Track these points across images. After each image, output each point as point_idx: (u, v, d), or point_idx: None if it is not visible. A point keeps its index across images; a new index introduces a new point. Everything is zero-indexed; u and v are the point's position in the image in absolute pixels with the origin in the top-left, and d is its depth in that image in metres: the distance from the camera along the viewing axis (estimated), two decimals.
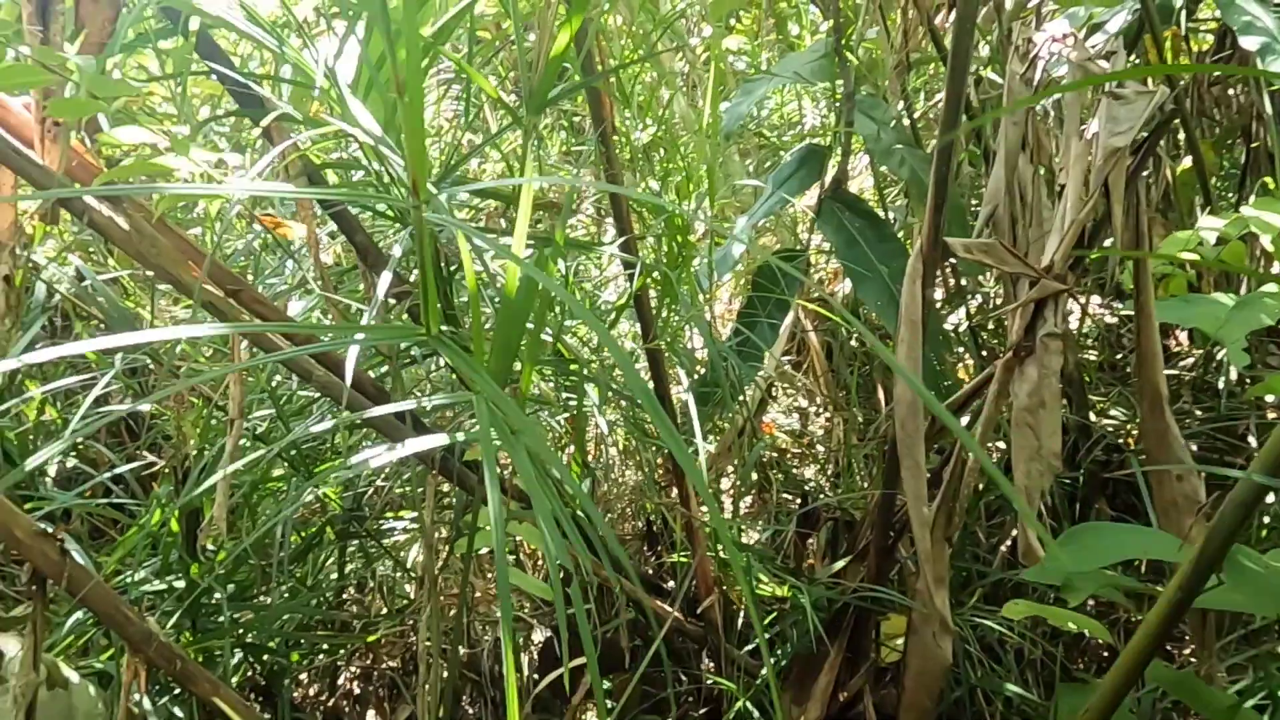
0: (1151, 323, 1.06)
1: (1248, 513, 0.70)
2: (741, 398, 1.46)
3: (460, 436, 0.71)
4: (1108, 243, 1.56)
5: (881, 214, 2.11)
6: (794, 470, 2.19)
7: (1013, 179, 1.31)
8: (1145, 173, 1.08)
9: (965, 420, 1.26)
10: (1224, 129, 2.33)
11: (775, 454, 2.26)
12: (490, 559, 1.08)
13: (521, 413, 0.44)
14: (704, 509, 1.12)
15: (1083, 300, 2.19)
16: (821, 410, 2.39)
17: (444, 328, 0.54)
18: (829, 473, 2.17)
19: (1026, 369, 1.07)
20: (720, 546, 1.19)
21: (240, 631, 1.11)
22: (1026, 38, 1.48)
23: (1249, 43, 1.88)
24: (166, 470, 1.06)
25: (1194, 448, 1.90)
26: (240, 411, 0.80)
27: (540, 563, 1.51)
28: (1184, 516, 1.00)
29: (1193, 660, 1.54)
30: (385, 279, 0.76)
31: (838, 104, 1.76)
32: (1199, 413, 1.89)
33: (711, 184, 1.21)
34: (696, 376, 1.62)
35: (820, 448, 2.29)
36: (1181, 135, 1.93)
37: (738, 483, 2.05)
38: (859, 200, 1.78)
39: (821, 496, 1.68)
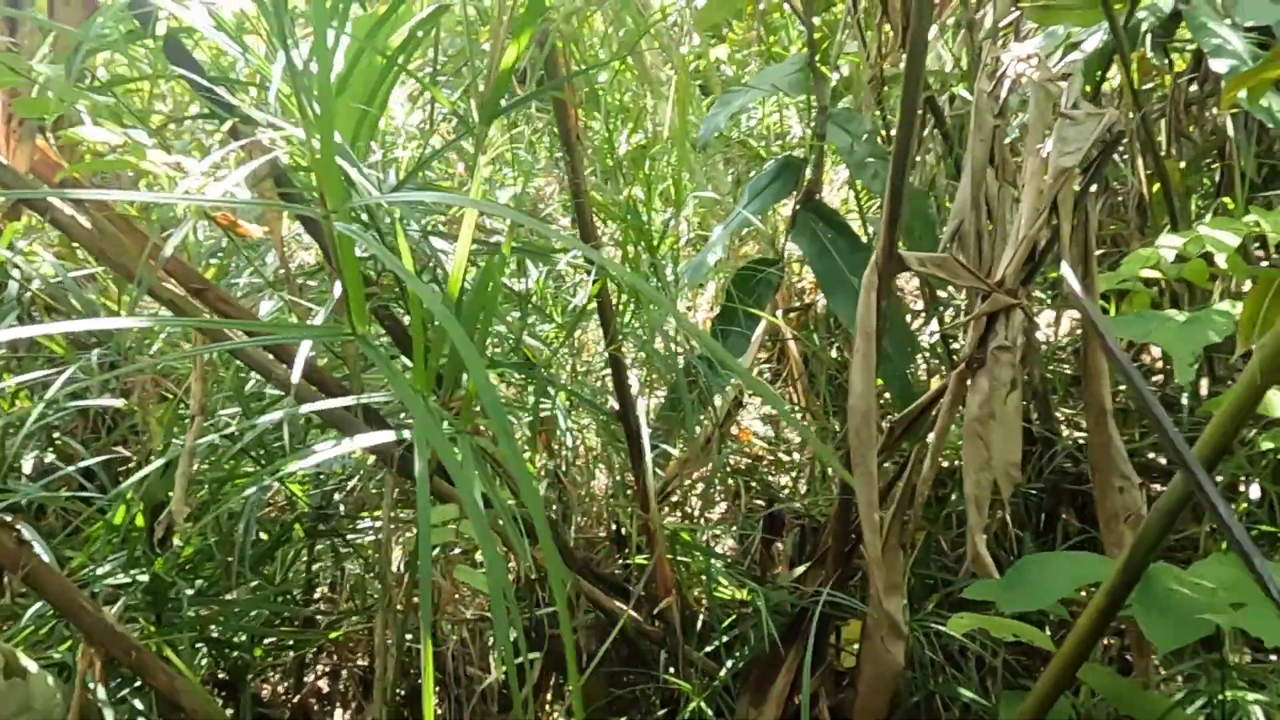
0: (1098, 339, 1.08)
1: (1170, 522, 0.72)
2: (711, 406, 1.48)
3: (406, 435, 0.73)
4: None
5: (861, 226, 2.14)
6: (769, 476, 2.21)
7: (979, 194, 1.34)
8: (1093, 190, 1.11)
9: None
10: (1199, 148, 2.37)
11: (750, 460, 2.29)
12: (459, 557, 1.10)
13: (431, 415, 0.46)
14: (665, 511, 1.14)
15: (1052, 313, 2.23)
16: (798, 417, 2.41)
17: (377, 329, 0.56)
18: (803, 479, 2.20)
19: (978, 381, 1.09)
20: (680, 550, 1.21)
21: (203, 627, 1.13)
22: (995, 56, 1.51)
23: (1218, 65, 1.92)
24: (134, 465, 1.08)
25: (1162, 461, 1.93)
26: (201, 408, 0.82)
27: (511, 561, 1.53)
28: (1125, 528, 1.03)
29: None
30: (338, 289, 0.77)
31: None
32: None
33: (678, 194, 1.23)
34: (670, 381, 1.64)
35: (796, 455, 2.32)
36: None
37: (712, 488, 2.07)
38: (832, 212, 1.80)
39: (789, 502, 1.71)
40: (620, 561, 1.47)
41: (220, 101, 0.78)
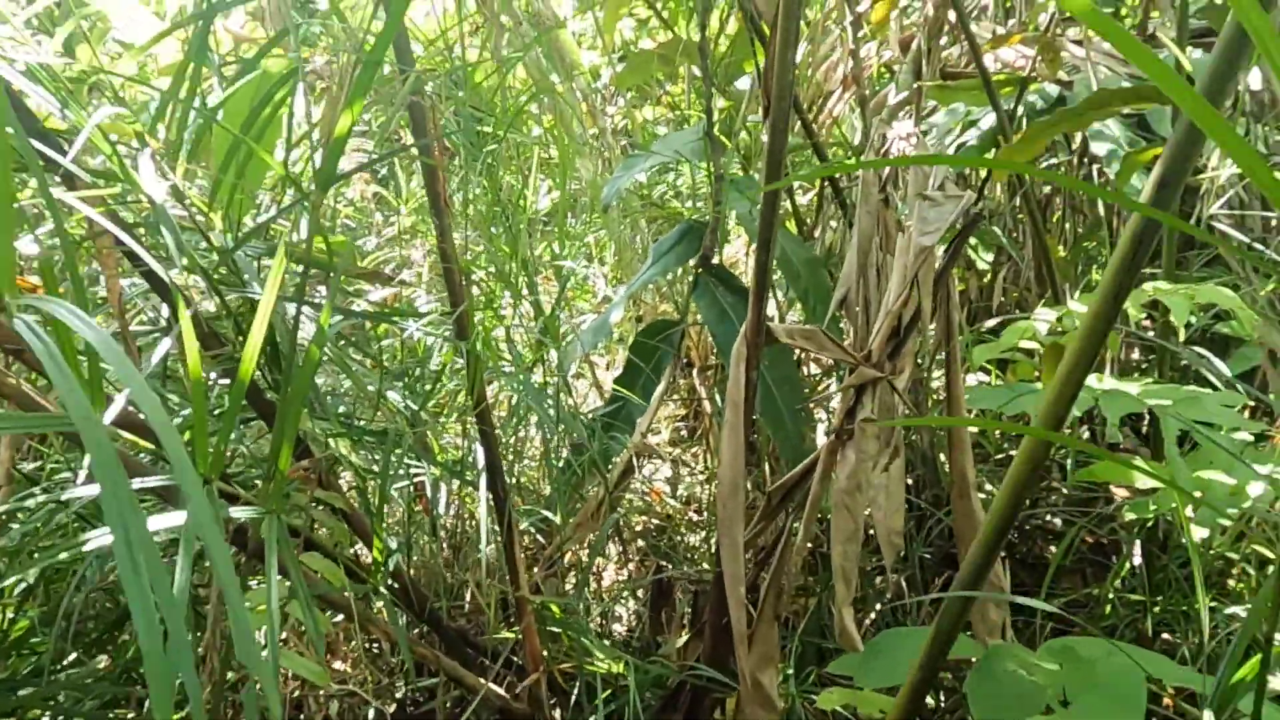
0: (960, 410, 1.11)
1: (965, 608, 0.73)
2: (600, 470, 1.46)
3: (238, 512, 0.69)
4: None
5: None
6: (677, 537, 2.19)
7: (866, 265, 1.37)
8: (954, 269, 1.14)
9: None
10: (1090, 221, 2.49)
11: (660, 521, 2.27)
12: (300, 638, 1.05)
13: (206, 499, 0.43)
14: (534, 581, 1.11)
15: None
16: (711, 479, 2.41)
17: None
18: (711, 541, 2.18)
19: (846, 452, 1.10)
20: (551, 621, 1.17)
21: (21, 711, 1.04)
22: (882, 134, 1.57)
23: (1098, 148, 2.03)
24: None
25: (1057, 522, 1.98)
26: (8, 477, 0.76)
27: (374, 642, 1.47)
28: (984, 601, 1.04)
29: None
30: (164, 345, 0.74)
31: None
32: (1065, 490, 1.97)
33: (521, 258, 1.21)
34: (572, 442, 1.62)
35: (707, 514, 2.31)
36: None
37: (602, 554, 2.04)
38: (732, 276, 1.83)
39: (682, 568, 1.68)
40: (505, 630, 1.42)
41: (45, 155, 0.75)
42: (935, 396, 2.21)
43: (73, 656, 1.22)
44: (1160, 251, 1.91)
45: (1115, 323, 0.65)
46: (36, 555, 1.01)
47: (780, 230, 1.89)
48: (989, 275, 2.50)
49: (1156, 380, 1.48)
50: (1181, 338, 1.50)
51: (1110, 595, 1.61)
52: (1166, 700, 1.16)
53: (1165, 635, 1.58)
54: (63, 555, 0.88)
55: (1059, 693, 0.72)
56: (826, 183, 2.01)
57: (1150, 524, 1.54)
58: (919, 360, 1.82)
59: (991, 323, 2.23)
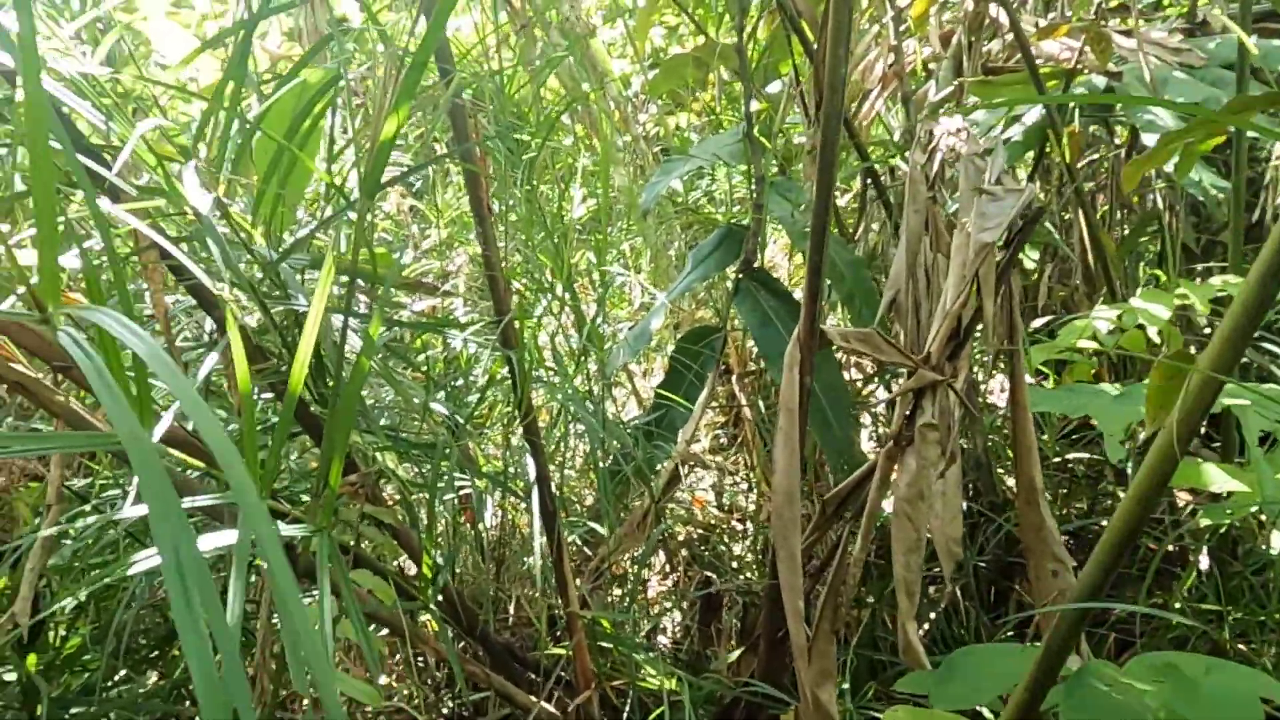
0: (1026, 416, 1.06)
1: (1084, 616, 0.68)
2: (645, 481, 1.43)
3: (288, 530, 0.68)
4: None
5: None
6: (721, 546, 2.15)
7: (915, 265, 1.33)
8: (1016, 267, 1.10)
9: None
10: (1141, 216, 2.41)
11: (703, 530, 2.23)
12: (347, 655, 1.03)
13: (262, 514, 0.41)
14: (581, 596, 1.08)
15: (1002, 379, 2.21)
16: (754, 487, 2.37)
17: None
18: (757, 550, 2.14)
19: (906, 459, 1.06)
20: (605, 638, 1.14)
21: None
22: (928, 130, 1.52)
23: (1150, 139, 1.96)
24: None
25: None
26: (58, 496, 0.75)
27: (420, 656, 1.45)
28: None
29: None
30: (210, 361, 0.73)
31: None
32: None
33: (565, 266, 1.19)
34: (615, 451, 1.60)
35: (750, 524, 2.26)
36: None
37: (648, 565, 2.00)
38: (774, 280, 1.79)
39: (729, 579, 1.65)
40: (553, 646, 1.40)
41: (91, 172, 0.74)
42: (984, 399, 2.15)
43: (123, 673, 1.21)
44: (1225, 245, 1.83)
45: (1258, 327, 0.59)
46: (87, 574, 1.01)
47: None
48: (1035, 274, 2.43)
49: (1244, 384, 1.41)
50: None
51: (1178, 604, 1.54)
52: None
53: (1240, 646, 1.50)
54: (109, 580, 0.88)
55: (1160, 712, 0.67)
56: (869, 183, 1.96)
57: (1222, 530, 1.47)
58: (978, 363, 1.77)
59: (1038, 322, 2.17)
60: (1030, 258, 2.49)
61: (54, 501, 0.76)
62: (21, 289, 0.50)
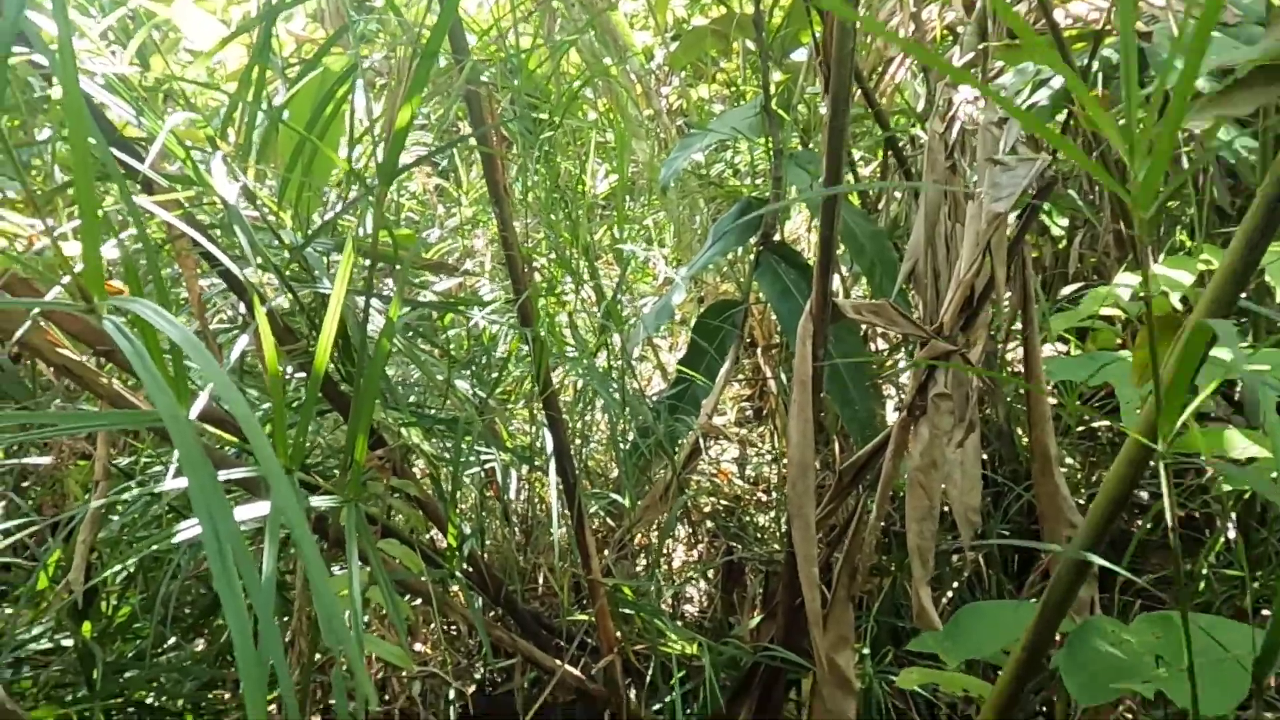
0: (1040, 384, 1.07)
1: (1078, 573, 0.70)
2: (666, 452, 1.46)
3: (318, 501, 0.72)
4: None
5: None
6: (748, 518, 2.18)
7: (934, 234, 1.33)
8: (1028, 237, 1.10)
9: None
10: (1174, 179, 2.36)
11: (728, 502, 2.26)
12: (382, 623, 1.08)
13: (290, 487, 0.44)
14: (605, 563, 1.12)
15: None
16: (779, 458, 2.39)
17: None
18: (781, 521, 2.17)
19: (920, 429, 1.07)
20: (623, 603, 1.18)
21: (127, 692, 1.10)
22: (947, 98, 1.51)
23: None
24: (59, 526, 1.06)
25: (1144, 495, 1.90)
26: (105, 472, 0.80)
27: (452, 625, 1.50)
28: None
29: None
30: (242, 342, 0.76)
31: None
32: (1153, 462, 1.88)
33: (585, 243, 1.20)
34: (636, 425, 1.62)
35: (775, 494, 2.29)
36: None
37: (688, 535, 2.04)
38: (794, 252, 1.80)
39: (752, 549, 1.67)
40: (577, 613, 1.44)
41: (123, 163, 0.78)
42: (1010, 369, 2.14)
43: (172, 641, 1.28)
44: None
45: (1244, 290, 0.60)
46: (134, 545, 1.06)
47: (843, 203, 1.85)
48: (1064, 241, 2.40)
49: (1252, 345, 1.40)
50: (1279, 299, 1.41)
51: (1204, 571, 1.54)
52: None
53: (1265, 612, 1.50)
54: (155, 548, 0.92)
55: (1157, 663, 0.69)
56: (890, 153, 1.95)
57: (1246, 496, 1.47)
58: (993, 332, 1.77)
59: (1068, 290, 2.14)
60: (1059, 225, 2.46)
61: (101, 478, 0.81)
62: (66, 278, 0.53)
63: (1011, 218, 1.18)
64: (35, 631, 1.14)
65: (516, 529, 1.44)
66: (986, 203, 1.03)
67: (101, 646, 1.12)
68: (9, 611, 1.08)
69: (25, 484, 1.31)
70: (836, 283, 1.90)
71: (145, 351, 0.39)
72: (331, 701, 1.29)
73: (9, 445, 1.11)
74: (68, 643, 1.16)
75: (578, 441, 1.66)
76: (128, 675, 1.16)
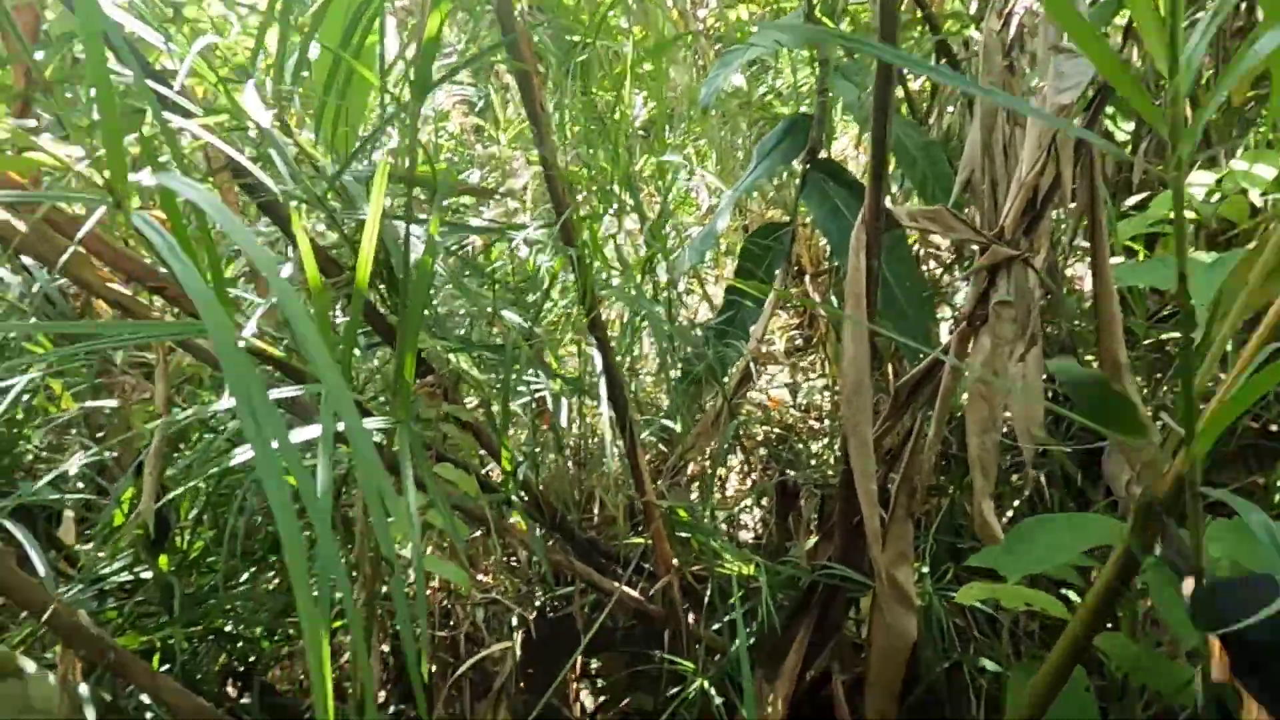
0: (1109, 289, 1.01)
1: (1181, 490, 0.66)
2: (717, 380, 1.44)
3: (370, 423, 0.72)
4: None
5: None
6: (801, 445, 2.16)
7: (991, 141, 1.26)
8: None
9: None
10: (1247, 75, 2.20)
11: (781, 430, 2.24)
12: (441, 551, 1.10)
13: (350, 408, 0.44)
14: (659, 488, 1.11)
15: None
16: (830, 385, 2.36)
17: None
18: (834, 448, 2.15)
19: (980, 339, 1.03)
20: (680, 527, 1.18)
21: (207, 621, 1.14)
22: None
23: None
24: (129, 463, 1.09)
25: None
26: (166, 406, 0.82)
27: (511, 555, 1.52)
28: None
29: None
30: (285, 270, 0.76)
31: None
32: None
33: (623, 168, 1.17)
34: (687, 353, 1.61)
35: (828, 421, 2.26)
36: None
37: (741, 463, 2.03)
38: (842, 170, 1.73)
39: (805, 471, 1.66)
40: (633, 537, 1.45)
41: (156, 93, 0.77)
42: (1071, 286, 2.05)
43: (246, 575, 1.32)
44: None
45: None
46: (199, 475, 1.09)
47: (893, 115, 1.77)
48: (1129, 147, 2.27)
49: None
50: None
51: None
52: None
53: None
54: (222, 481, 0.94)
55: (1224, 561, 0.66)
56: (942, 59, 1.85)
57: None
58: (1055, 240, 1.69)
59: (1133, 200, 2.04)
60: (1124, 130, 2.33)
61: (163, 410, 0.82)
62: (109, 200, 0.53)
63: (1075, 121, 1.11)
64: (116, 566, 1.19)
65: (570, 460, 1.45)
66: (1051, 95, 0.97)
67: (178, 579, 1.16)
68: (89, 547, 1.13)
69: (100, 434, 1.35)
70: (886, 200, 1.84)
71: (177, 244, 0.39)
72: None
73: (77, 390, 1.14)
74: (147, 575, 1.20)
75: (627, 372, 1.66)
76: (205, 605, 1.20)
